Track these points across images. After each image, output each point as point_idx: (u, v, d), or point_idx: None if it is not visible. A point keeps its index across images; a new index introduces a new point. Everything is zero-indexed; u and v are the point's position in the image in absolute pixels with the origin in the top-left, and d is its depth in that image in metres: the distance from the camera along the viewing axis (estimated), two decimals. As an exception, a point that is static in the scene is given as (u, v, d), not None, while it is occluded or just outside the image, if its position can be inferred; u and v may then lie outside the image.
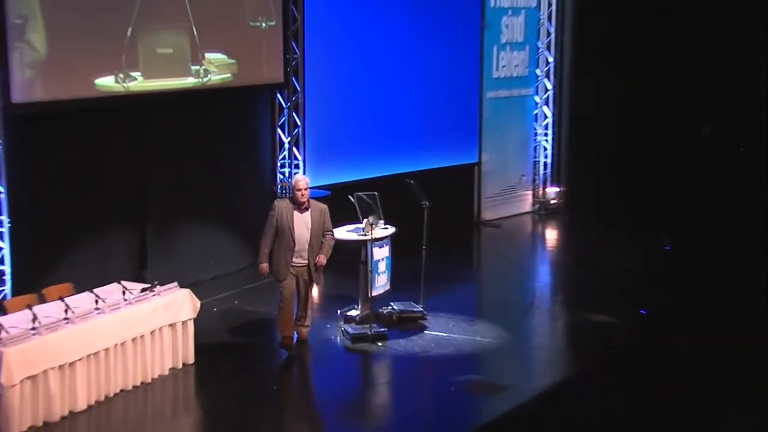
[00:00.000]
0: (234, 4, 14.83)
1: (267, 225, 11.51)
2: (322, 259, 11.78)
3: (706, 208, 19.37)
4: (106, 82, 13.04)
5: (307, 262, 11.54)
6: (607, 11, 20.00)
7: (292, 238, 11.35)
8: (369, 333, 12.56)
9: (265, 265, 11.61)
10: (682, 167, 20.22)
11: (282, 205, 11.55)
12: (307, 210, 11.46)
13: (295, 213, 11.38)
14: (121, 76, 13.15)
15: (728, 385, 13.70)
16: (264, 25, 15.26)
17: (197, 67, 14.31)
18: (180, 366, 11.43)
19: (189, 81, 14.24)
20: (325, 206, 11.89)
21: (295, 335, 12.03)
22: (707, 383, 12.89)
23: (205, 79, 14.43)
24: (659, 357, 13.31)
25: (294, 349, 11.88)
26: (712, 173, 19.87)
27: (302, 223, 11.40)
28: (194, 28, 14.11)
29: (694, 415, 12.28)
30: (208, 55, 14.44)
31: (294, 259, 11.44)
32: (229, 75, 14.83)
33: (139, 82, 13.46)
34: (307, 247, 11.47)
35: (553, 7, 20.08)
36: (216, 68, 14.59)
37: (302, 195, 11.36)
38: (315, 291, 12.55)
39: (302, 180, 11.49)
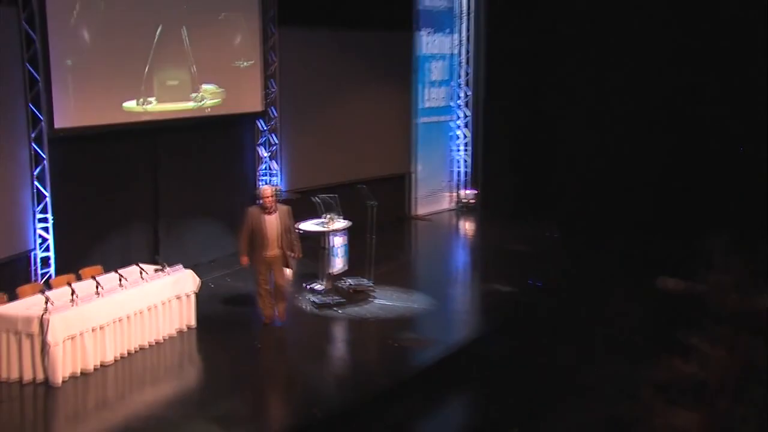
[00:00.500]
0: (223, 48, 14.93)
1: (243, 228, 11.55)
2: (298, 254, 11.87)
3: (586, 204, 19.50)
4: (130, 106, 13.41)
5: (276, 253, 11.42)
6: (510, 57, 20.08)
7: (264, 236, 11.27)
8: (330, 302, 12.75)
9: (245, 258, 11.63)
10: (568, 172, 20.34)
11: (254, 210, 11.49)
12: (275, 212, 11.36)
13: (264, 216, 11.30)
14: (141, 100, 13.51)
15: (597, 336, 13.95)
16: (245, 64, 15.35)
17: (195, 94, 14.53)
18: (185, 328, 11.72)
19: (190, 104, 14.47)
20: (288, 207, 11.83)
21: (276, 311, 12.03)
22: (583, 334, 13.14)
23: (201, 103, 14.63)
24: (549, 316, 13.54)
25: (274, 320, 11.88)
26: (590, 177, 20.01)
27: (271, 224, 11.31)
28: (193, 66, 14.36)
29: (575, 357, 12.51)
30: (204, 86, 14.62)
31: (267, 252, 11.33)
32: (219, 100, 14.92)
33: (154, 105, 13.78)
34: (276, 242, 11.34)
35: (471, 53, 20.15)
36: (209, 95, 14.78)
37: (267, 202, 11.34)
38: (289, 273, 12.27)
39: (267, 189, 11.54)
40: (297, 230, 12.21)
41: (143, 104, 13.58)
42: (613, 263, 17.12)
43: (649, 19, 19.82)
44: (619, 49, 19.54)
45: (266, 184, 15.58)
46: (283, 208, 11.62)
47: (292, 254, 11.74)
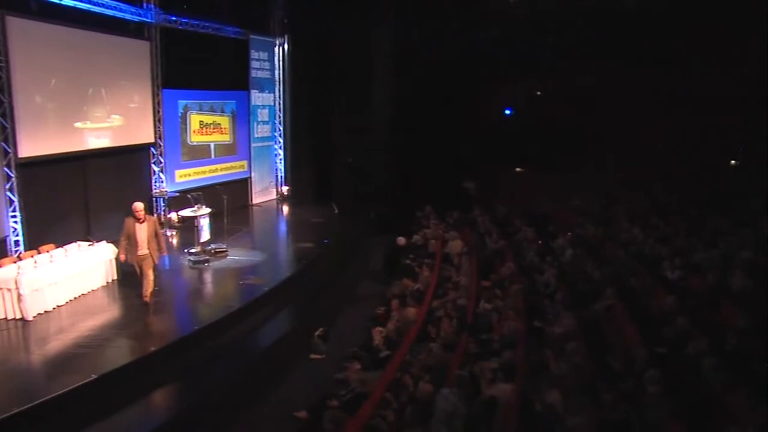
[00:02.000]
0: (122, 95, 14.40)
1: (122, 233, 10.21)
2: (163, 252, 10.67)
3: (352, 191, 20.10)
4: (80, 124, 13.08)
5: (145, 253, 10.19)
6: (306, 105, 20.41)
7: (136, 240, 10.07)
8: (201, 260, 12.78)
9: (123, 256, 10.29)
10: (341, 174, 20.89)
11: (129, 220, 10.13)
12: (144, 222, 10.17)
13: (136, 224, 10.08)
14: (81, 123, 13.12)
15: (364, 269, 14.60)
16: (137, 106, 14.91)
17: (110, 121, 14.01)
18: (110, 281, 11.41)
19: (106, 124, 13.94)
20: (154, 218, 10.68)
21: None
22: (355, 268, 13.72)
23: (114, 124, 14.13)
24: (335, 258, 14.03)
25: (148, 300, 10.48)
26: (354, 175, 20.62)
27: (141, 231, 10.10)
28: (107, 105, 13.85)
29: (353, 281, 13.07)
30: (113, 116, 14.10)
31: (138, 252, 10.13)
32: (122, 123, 14.41)
33: (88, 125, 13.33)
34: (145, 245, 10.14)
35: (284, 105, 20.26)
36: (118, 121, 14.25)
37: (138, 215, 10.10)
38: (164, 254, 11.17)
39: (137, 206, 10.14)
40: (162, 235, 10.82)
41: (84, 123, 13.30)
42: (370, 227, 17.93)
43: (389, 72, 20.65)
44: (370, 93, 20.34)
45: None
46: (151, 219, 10.42)
47: (159, 252, 10.45)
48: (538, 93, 24.20)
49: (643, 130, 21.10)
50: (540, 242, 15.48)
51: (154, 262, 10.37)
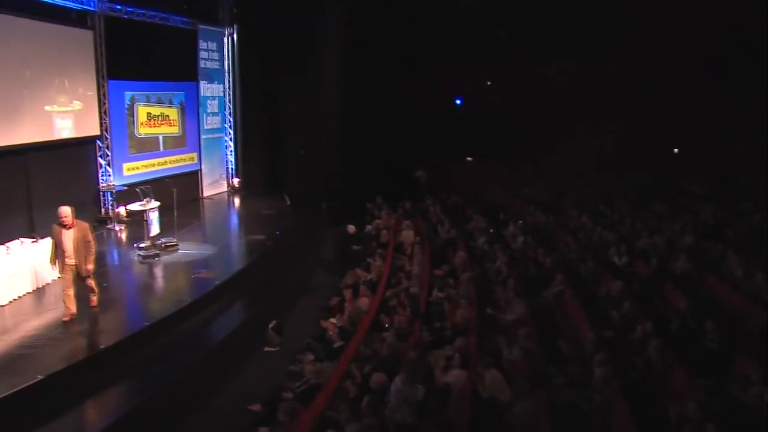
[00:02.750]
0: (65, 86, 13.95)
1: (52, 241, 9.30)
2: (89, 267, 9.30)
3: (303, 183, 20.05)
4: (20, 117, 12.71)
5: (76, 262, 9.15)
6: (255, 96, 20.23)
7: (64, 248, 9.07)
8: (151, 254, 12.51)
9: (53, 265, 9.50)
10: (291, 166, 20.79)
11: (56, 227, 9.12)
12: (71, 228, 9.08)
13: (63, 231, 9.05)
14: (21, 116, 12.64)
15: (316, 259, 14.60)
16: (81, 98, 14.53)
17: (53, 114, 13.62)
18: (57, 278, 11.05)
19: (49, 116, 13.55)
20: (86, 224, 9.40)
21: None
22: (308, 258, 13.67)
23: (57, 116, 13.72)
24: (288, 249, 13.99)
25: (73, 317, 9.34)
26: (304, 168, 20.55)
27: (68, 238, 9.05)
28: (50, 97, 13.40)
29: (306, 272, 13.06)
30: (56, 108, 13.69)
31: (67, 260, 9.11)
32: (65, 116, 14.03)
33: (29, 118, 12.92)
34: (73, 253, 9.08)
35: (234, 96, 20.02)
36: (61, 113, 13.84)
37: (63, 221, 9.05)
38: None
39: (62, 211, 9.08)
40: (93, 245, 9.42)
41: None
42: (322, 219, 17.91)
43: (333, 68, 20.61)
44: (321, 84, 20.30)
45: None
46: (82, 225, 9.28)
47: (86, 266, 9.29)
48: (489, 83, 24.47)
49: (592, 119, 21.53)
50: (491, 231, 15.71)
51: (82, 275, 9.30)
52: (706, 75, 20.68)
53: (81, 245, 9.19)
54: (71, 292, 9.27)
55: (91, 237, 9.32)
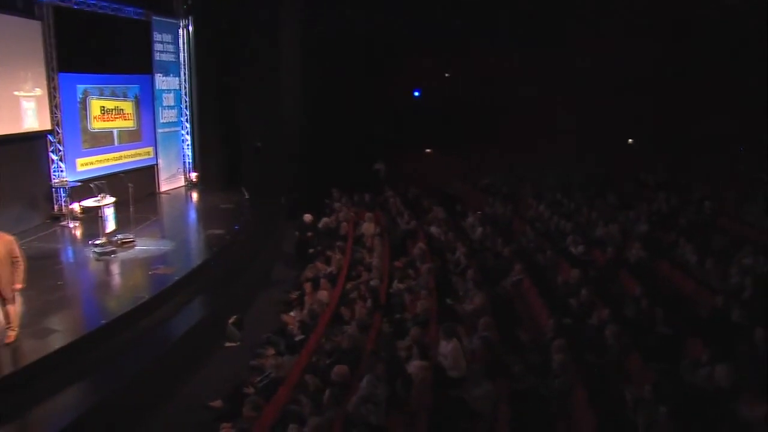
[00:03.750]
0: (12, 79, 13.48)
1: None
2: (16, 287, 8.02)
3: (261, 176, 19.89)
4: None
5: None
6: (211, 89, 19.97)
7: None
8: (107, 251, 12.24)
9: None
10: (250, 160, 20.59)
11: None
12: None
13: None
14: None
15: (277, 252, 14.51)
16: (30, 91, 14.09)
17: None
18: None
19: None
20: (11, 238, 8.01)
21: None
22: (267, 252, 13.58)
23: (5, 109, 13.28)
24: (248, 242, 13.87)
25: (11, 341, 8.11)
26: (262, 161, 20.38)
27: None
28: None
29: (267, 264, 12.95)
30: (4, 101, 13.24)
31: None
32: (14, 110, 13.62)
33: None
34: None
35: (191, 90, 19.74)
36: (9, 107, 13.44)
37: None
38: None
39: None
40: (20, 262, 8.02)
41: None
42: (281, 212, 17.82)
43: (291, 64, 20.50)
44: (278, 76, 20.15)
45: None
46: (6, 238, 7.93)
47: (12, 287, 7.97)
48: (447, 74, 24.58)
49: (549, 110, 21.83)
50: (450, 221, 15.84)
51: (5, 296, 7.93)
52: (661, 65, 21.16)
53: (5, 263, 7.81)
54: None
55: (18, 252, 8.01)
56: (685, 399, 6.56)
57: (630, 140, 24.03)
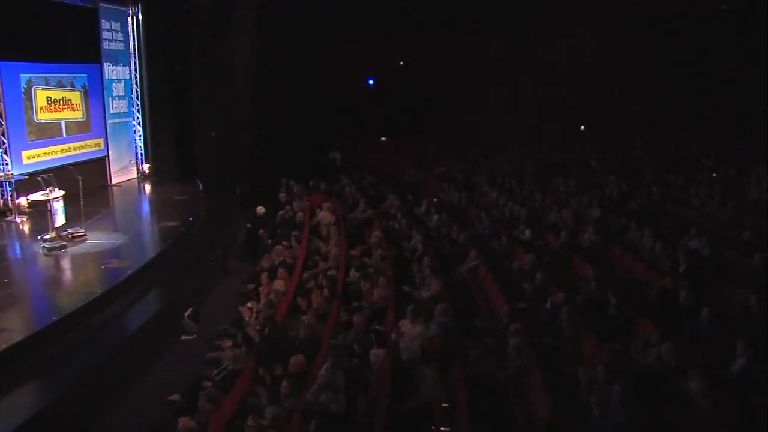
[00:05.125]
0: None
1: None
2: None
3: (216, 167, 19.67)
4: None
5: None
6: (162, 78, 19.63)
7: None
8: (57, 246, 11.89)
9: None
10: (204, 150, 20.32)
11: None
12: None
13: None
14: None
15: (233, 243, 14.34)
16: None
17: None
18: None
19: None
20: None
21: None
22: (222, 242, 13.39)
23: None
24: (202, 234, 13.68)
25: None
26: (216, 153, 20.13)
27: None
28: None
29: (223, 252, 12.80)
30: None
31: None
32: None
33: None
34: None
35: (141, 79, 19.35)
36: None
37: None
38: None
39: None
40: None
41: None
42: (236, 202, 17.65)
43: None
44: (231, 64, 19.91)
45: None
46: None
47: None
48: (401, 63, 24.62)
49: (503, 98, 22.07)
50: (406, 209, 15.90)
51: None
52: (612, 54, 21.57)
53: None
54: None
55: None
56: (636, 378, 6.74)
57: (582, 127, 24.46)
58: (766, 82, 17.57)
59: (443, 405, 6.72)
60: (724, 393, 6.25)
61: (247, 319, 10.06)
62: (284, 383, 6.90)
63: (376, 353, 7.61)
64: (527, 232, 12.71)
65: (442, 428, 6.40)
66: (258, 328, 9.28)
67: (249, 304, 10.74)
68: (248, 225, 15.22)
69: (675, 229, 12.12)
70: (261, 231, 14.66)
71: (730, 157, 18.32)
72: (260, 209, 15.18)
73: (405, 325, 8.02)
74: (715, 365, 6.98)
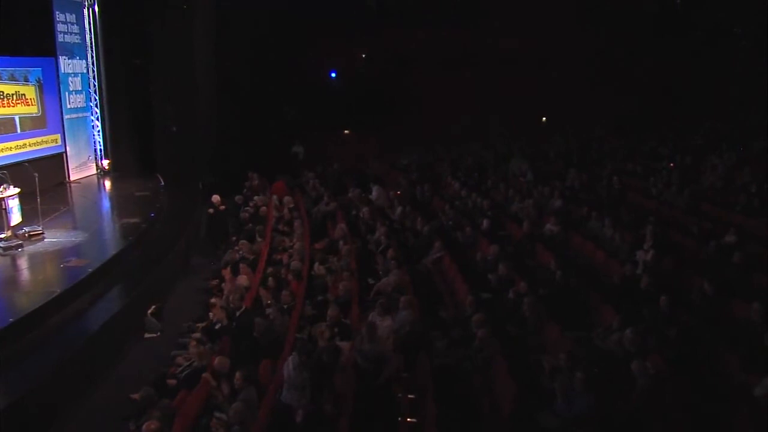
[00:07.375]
0: None
1: None
2: None
3: (176, 162, 19.38)
4: None
5: None
6: (120, 72, 19.25)
7: None
8: (13, 245, 11.58)
9: None
10: (166, 145, 20.00)
11: None
12: None
13: None
14: None
15: (196, 238, 14.11)
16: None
17: None
18: None
19: None
20: None
21: None
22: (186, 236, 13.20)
23: None
24: (164, 231, 13.45)
25: None
26: (177, 147, 19.84)
27: None
28: None
29: (187, 250, 12.65)
30: None
31: None
32: None
33: None
34: None
35: (99, 73, 18.96)
36: None
37: None
38: None
39: None
40: None
41: None
42: (199, 198, 17.41)
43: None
44: (192, 57, 19.61)
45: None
46: None
47: None
48: (363, 55, 24.57)
49: (465, 89, 22.19)
50: (370, 203, 15.88)
51: None
52: (574, 45, 21.86)
53: None
54: None
55: None
56: (598, 364, 6.86)
57: (543, 118, 24.74)
58: (717, 73, 18.02)
59: (409, 396, 6.76)
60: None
61: (211, 314, 9.93)
62: (237, 374, 6.83)
63: (342, 346, 7.60)
64: (485, 222, 12.81)
65: (408, 419, 6.43)
66: (226, 309, 9.22)
67: (213, 300, 10.61)
68: (209, 210, 15.01)
69: (635, 218, 12.32)
70: (222, 219, 14.54)
71: (686, 146, 18.73)
72: (216, 198, 14.97)
73: (374, 317, 8.01)
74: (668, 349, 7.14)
